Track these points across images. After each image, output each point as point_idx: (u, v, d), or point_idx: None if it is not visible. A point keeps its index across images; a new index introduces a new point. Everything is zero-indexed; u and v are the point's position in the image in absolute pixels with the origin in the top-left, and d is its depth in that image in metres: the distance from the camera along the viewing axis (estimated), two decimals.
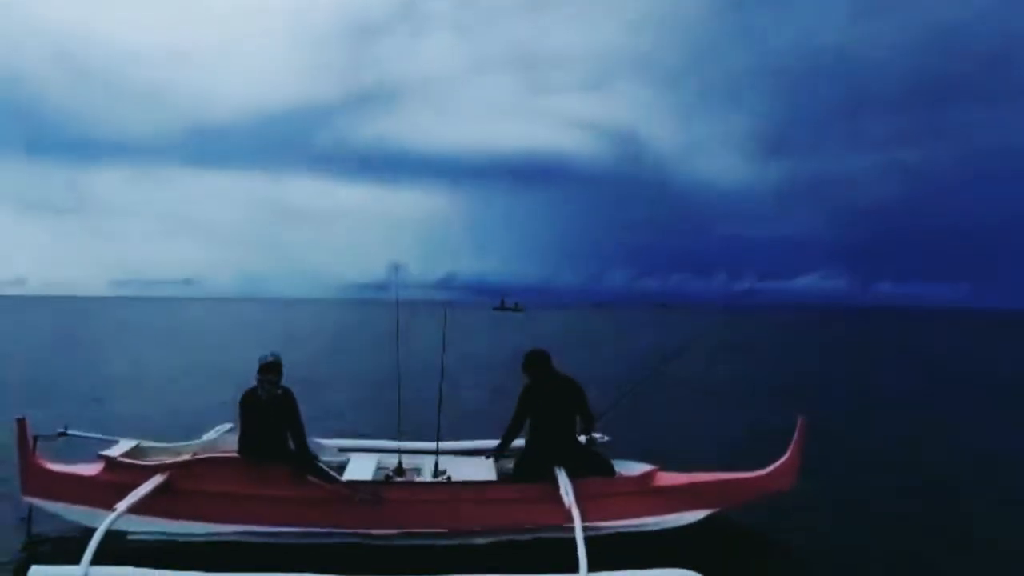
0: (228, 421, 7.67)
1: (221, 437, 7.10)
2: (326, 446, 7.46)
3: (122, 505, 5.74)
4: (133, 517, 5.96)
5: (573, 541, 5.48)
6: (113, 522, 5.54)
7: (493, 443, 8.24)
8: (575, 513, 5.85)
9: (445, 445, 7.53)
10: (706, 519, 6.61)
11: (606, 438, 8.07)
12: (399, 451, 7.63)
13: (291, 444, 6.40)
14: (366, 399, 15.09)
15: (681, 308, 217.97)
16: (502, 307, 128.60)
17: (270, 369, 6.32)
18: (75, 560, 5.23)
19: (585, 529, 5.85)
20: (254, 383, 6.38)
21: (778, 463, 6.77)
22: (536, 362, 6.88)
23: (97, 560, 5.17)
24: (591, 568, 5.15)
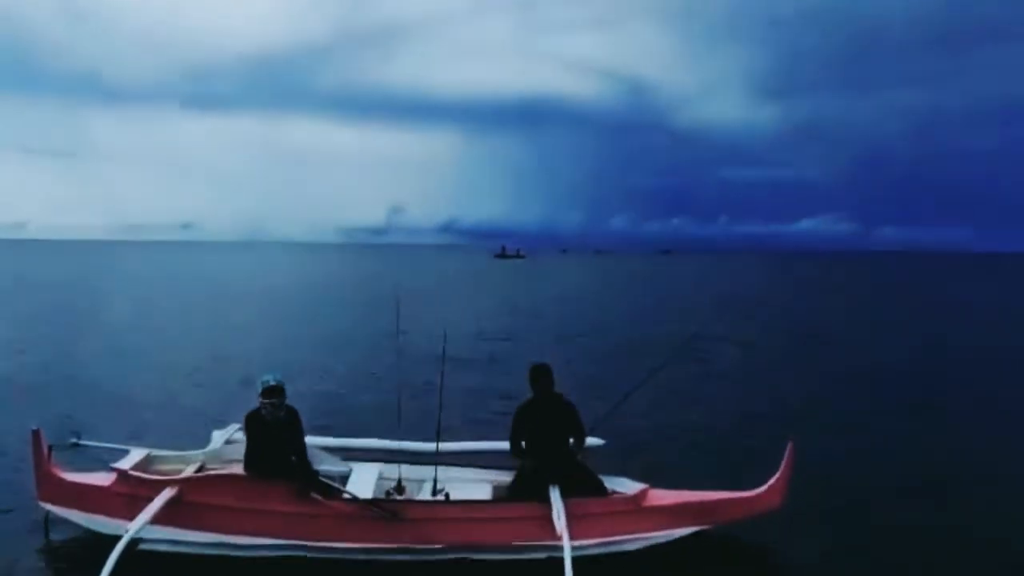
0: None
1: (228, 447, 7.35)
2: (330, 450, 7.75)
3: (134, 526, 6.03)
4: (146, 526, 6.26)
5: (568, 560, 5.77)
6: (126, 544, 5.83)
7: (493, 445, 8.52)
8: (565, 537, 6.11)
9: (445, 446, 7.79)
10: (692, 535, 6.88)
11: (602, 442, 8.36)
12: (399, 451, 7.95)
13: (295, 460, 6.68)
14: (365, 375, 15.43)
15: (684, 254, 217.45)
16: (503, 255, 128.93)
17: (272, 393, 6.56)
18: (89, 567, 5.61)
19: (576, 548, 6.16)
20: (257, 404, 6.63)
21: (768, 484, 6.99)
22: (540, 376, 7.13)
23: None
24: None
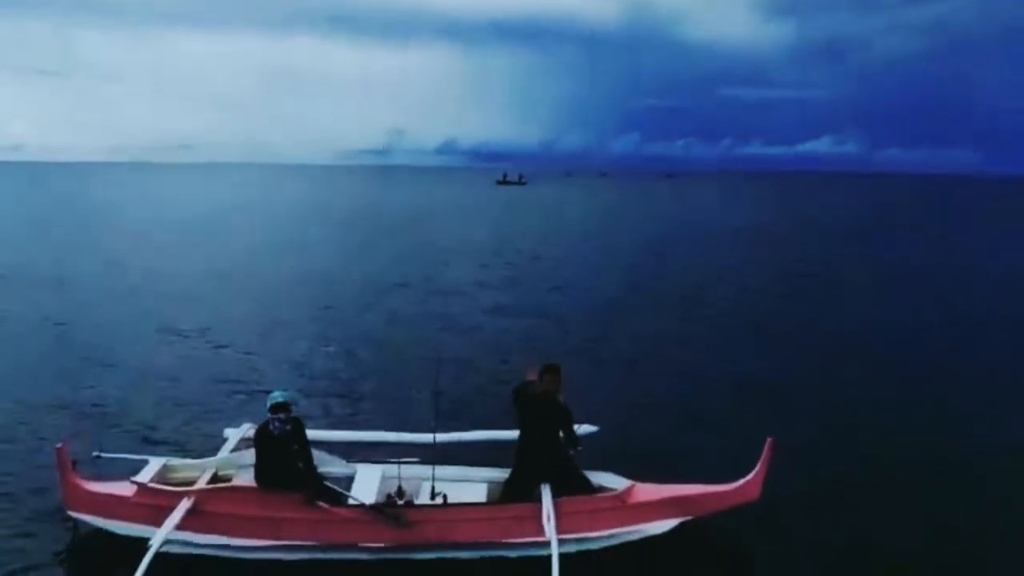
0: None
1: (239, 454, 7.82)
2: (332, 445, 8.27)
3: (157, 538, 6.55)
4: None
5: (555, 567, 6.25)
6: (150, 560, 6.36)
7: (490, 434, 9.03)
8: (552, 536, 6.62)
9: (441, 438, 8.30)
10: (674, 530, 7.38)
11: (595, 428, 8.84)
12: (399, 444, 8.55)
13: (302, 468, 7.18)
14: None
15: (688, 177, 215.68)
16: (504, 181, 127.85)
17: (280, 408, 7.02)
18: (115, 568, 6.29)
19: (565, 544, 6.72)
20: (265, 419, 7.10)
21: (747, 478, 7.45)
22: (549, 377, 7.45)
23: None
24: None
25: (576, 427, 7.80)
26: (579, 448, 7.60)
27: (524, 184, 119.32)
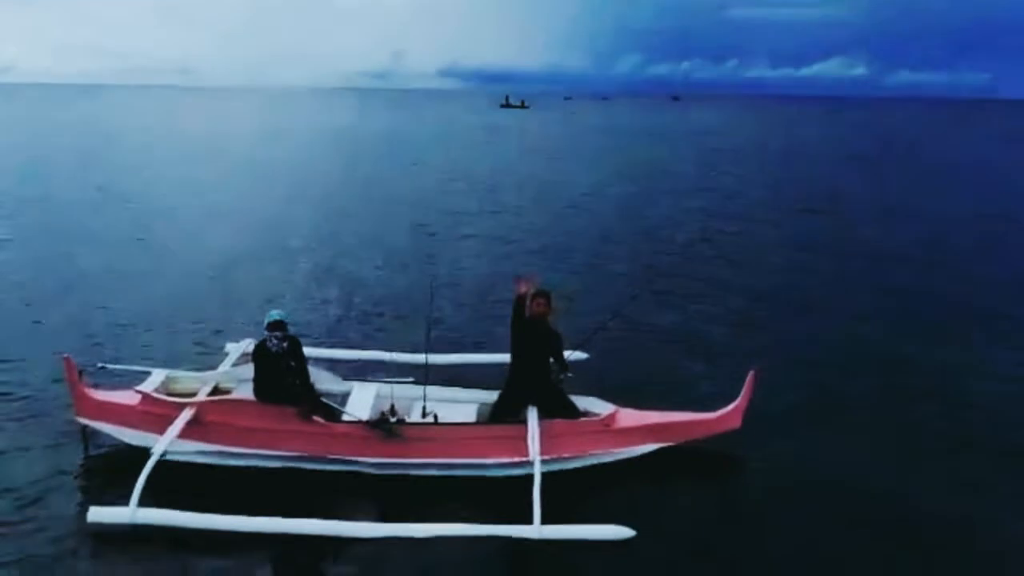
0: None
1: (239, 369, 8.10)
2: (329, 363, 8.59)
3: (160, 444, 6.92)
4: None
5: (537, 485, 6.63)
6: (156, 460, 6.74)
7: (480, 357, 9.35)
8: (536, 456, 6.96)
9: (434, 359, 8.62)
10: (654, 454, 7.74)
11: (586, 356, 9.15)
12: (392, 363, 8.91)
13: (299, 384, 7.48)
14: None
15: (693, 100, 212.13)
16: (507, 104, 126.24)
17: (276, 327, 7.28)
18: (121, 468, 6.81)
19: (548, 464, 7.06)
20: (264, 336, 7.37)
21: (729, 407, 7.74)
22: (540, 302, 7.66)
23: (144, 495, 6.48)
24: (544, 521, 6.39)
25: (567, 353, 8.08)
26: (569, 374, 7.87)
27: (527, 108, 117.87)
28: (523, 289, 7.71)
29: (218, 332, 10.82)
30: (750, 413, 7.81)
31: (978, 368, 10.61)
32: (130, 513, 6.41)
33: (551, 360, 7.82)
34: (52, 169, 25.38)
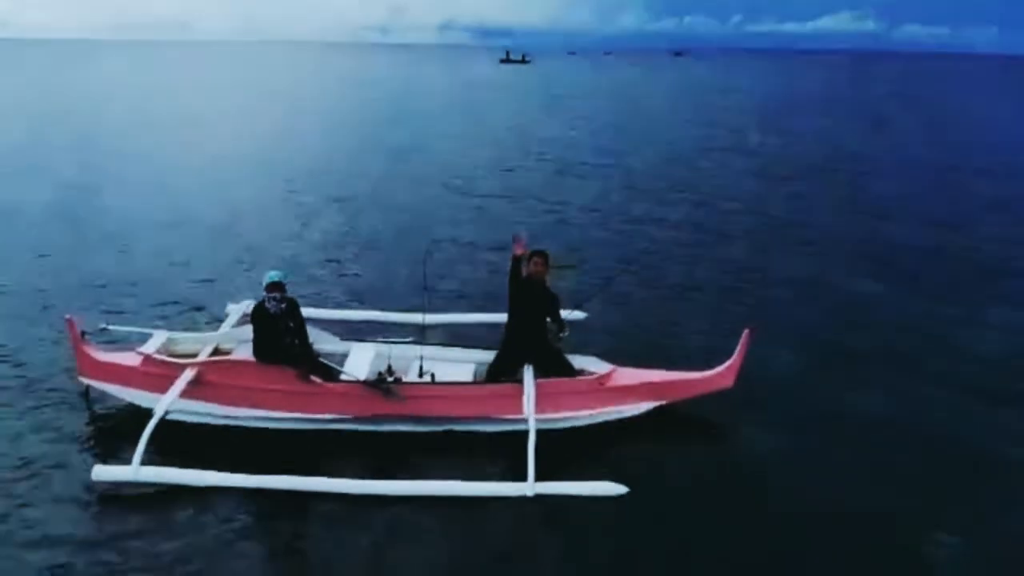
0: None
1: (239, 329, 8.18)
2: (327, 323, 8.70)
3: (162, 405, 7.04)
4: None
5: (531, 443, 6.77)
6: (158, 420, 6.87)
7: (476, 317, 9.42)
8: (531, 414, 7.09)
9: (431, 318, 8.70)
10: (649, 413, 7.82)
11: (584, 315, 9.18)
12: (389, 323, 9.08)
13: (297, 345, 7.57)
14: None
15: (697, 56, 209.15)
16: (508, 59, 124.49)
17: (275, 287, 7.33)
18: (124, 427, 7.02)
19: (543, 422, 7.18)
20: (262, 297, 7.44)
21: (723, 366, 7.79)
22: (537, 261, 7.71)
23: (146, 454, 6.63)
24: (538, 479, 6.55)
25: (566, 312, 8.17)
26: (565, 333, 7.93)
27: (528, 63, 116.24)
28: (520, 250, 7.75)
29: (218, 293, 10.89)
30: (745, 373, 7.87)
31: (982, 325, 10.59)
32: (133, 472, 6.56)
33: (548, 320, 7.89)
34: (49, 131, 25.13)
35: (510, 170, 21.96)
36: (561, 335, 7.91)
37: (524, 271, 7.73)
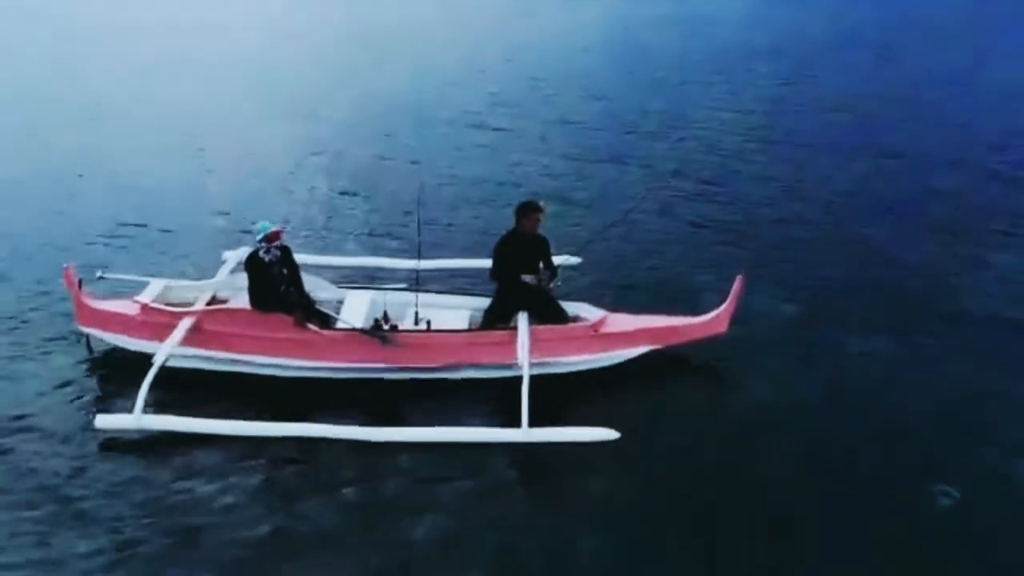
0: None
1: (235, 277, 8.19)
2: (323, 268, 8.77)
3: (161, 354, 7.13)
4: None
5: (525, 389, 6.87)
6: (155, 374, 6.97)
7: (471, 262, 9.41)
8: (524, 361, 7.16)
9: (426, 264, 8.72)
10: (642, 357, 7.89)
11: (578, 260, 9.14)
12: (384, 269, 9.26)
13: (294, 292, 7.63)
14: None
15: None
16: None
17: (273, 237, 7.38)
18: (124, 374, 7.23)
19: (537, 367, 7.28)
20: (256, 247, 7.46)
21: (716, 312, 7.84)
22: (527, 214, 7.72)
23: (147, 402, 6.79)
24: (531, 424, 6.70)
25: (560, 259, 8.16)
26: (559, 282, 7.99)
27: None
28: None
29: (215, 239, 10.74)
30: (741, 319, 7.92)
31: (995, 268, 10.34)
32: (135, 420, 6.72)
33: (542, 267, 7.92)
34: (31, 67, 24.11)
35: (507, 105, 20.94)
36: (554, 283, 7.96)
37: (520, 226, 7.75)
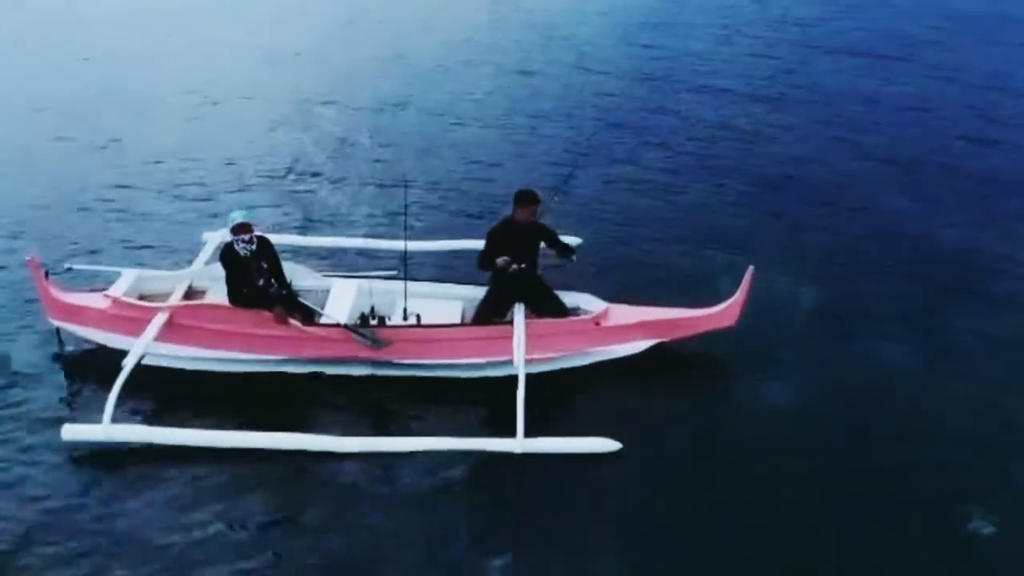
0: None
1: (212, 267, 7.67)
2: (306, 251, 8.28)
3: (130, 359, 6.63)
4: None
5: (521, 395, 6.43)
6: (124, 379, 6.51)
7: (461, 244, 8.88)
8: (520, 357, 6.72)
9: (415, 246, 8.20)
10: (646, 353, 7.45)
11: (580, 240, 8.65)
12: (370, 250, 8.80)
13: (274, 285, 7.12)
14: None
15: None
16: None
17: (242, 229, 6.83)
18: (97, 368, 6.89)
19: (534, 363, 6.90)
20: (231, 240, 6.92)
21: (725, 304, 7.37)
22: (525, 203, 7.21)
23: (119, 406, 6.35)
24: (527, 433, 6.27)
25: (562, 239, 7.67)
26: (574, 256, 7.56)
27: None
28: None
29: (189, 221, 10.09)
30: (751, 312, 7.42)
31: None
32: (104, 431, 6.30)
33: (552, 251, 7.51)
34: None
35: (505, 74, 19.63)
36: (571, 260, 7.55)
37: (515, 218, 7.24)
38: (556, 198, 7.92)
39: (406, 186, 7.91)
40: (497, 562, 5.56)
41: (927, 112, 15.08)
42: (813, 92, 16.91)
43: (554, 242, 7.51)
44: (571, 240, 8.33)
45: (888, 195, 11.48)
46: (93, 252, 9.09)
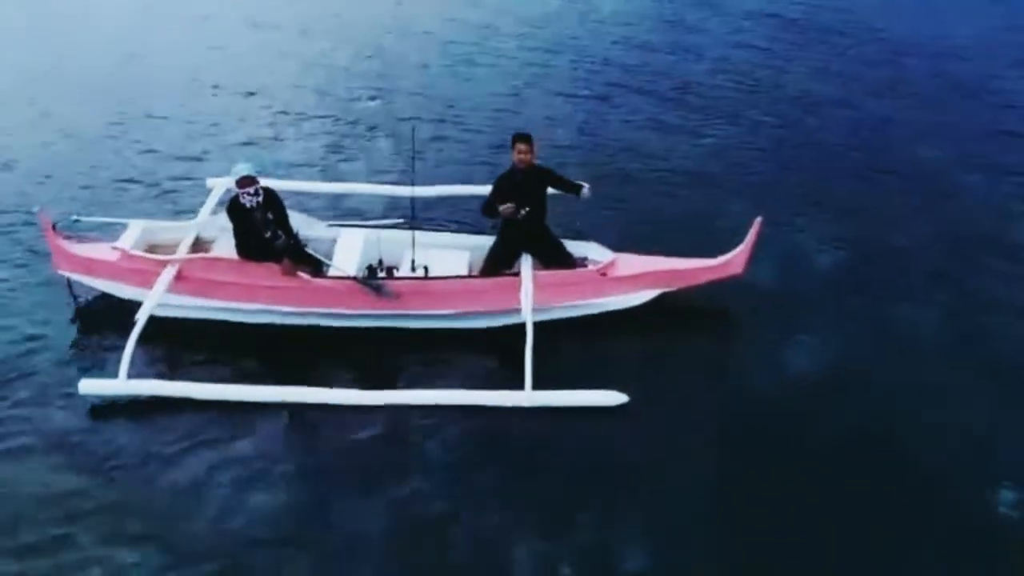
0: None
1: (218, 217, 7.63)
2: (312, 196, 8.25)
3: (142, 313, 6.70)
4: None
5: (529, 347, 6.51)
6: (139, 332, 6.59)
7: (469, 188, 8.78)
8: (528, 307, 6.80)
9: (421, 191, 8.13)
10: (653, 303, 7.45)
11: (588, 186, 8.45)
12: (374, 194, 8.79)
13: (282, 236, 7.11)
14: None
15: None
16: None
17: (246, 183, 6.79)
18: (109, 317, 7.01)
19: (541, 312, 6.95)
20: (235, 193, 6.88)
21: (732, 254, 7.34)
22: (512, 144, 7.13)
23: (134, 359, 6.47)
24: (535, 386, 6.37)
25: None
26: (585, 187, 7.38)
27: None
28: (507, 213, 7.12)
29: (196, 163, 9.99)
30: (764, 266, 7.39)
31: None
32: (121, 384, 6.42)
33: (561, 191, 7.45)
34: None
35: (507, 34, 18.63)
36: (585, 192, 7.38)
37: (512, 159, 7.15)
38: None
39: (414, 130, 7.80)
40: (501, 516, 5.71)
41: (965, 60, 14.22)
42: (845, 35, 16.03)
43: (559, 180, 7.42)
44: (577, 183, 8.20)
45: (920, 146, 10.88)
46: (96, 204, 9.01)
